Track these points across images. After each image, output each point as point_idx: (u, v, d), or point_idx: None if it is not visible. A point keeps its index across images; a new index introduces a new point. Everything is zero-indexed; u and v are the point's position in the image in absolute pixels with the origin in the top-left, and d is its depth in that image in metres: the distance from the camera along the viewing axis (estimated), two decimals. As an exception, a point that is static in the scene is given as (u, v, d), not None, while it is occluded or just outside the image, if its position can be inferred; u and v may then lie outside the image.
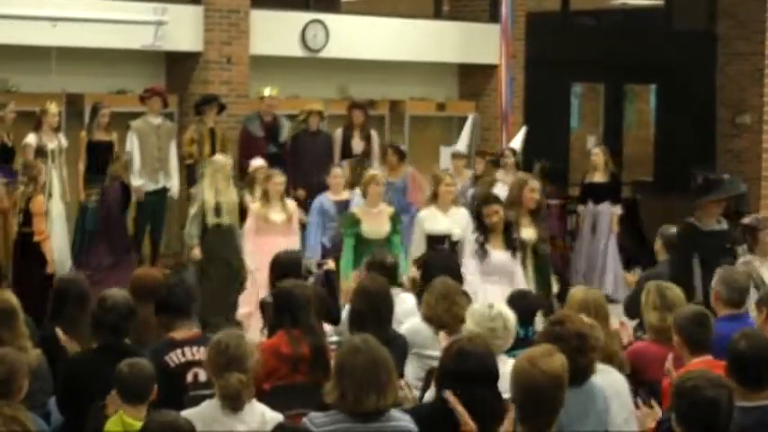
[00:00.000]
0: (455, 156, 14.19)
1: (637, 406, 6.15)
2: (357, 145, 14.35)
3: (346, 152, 14.32)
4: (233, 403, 5.60)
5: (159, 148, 13.41)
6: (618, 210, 14.78)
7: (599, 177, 14.62)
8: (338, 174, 12.48)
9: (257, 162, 12.71)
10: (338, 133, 14.48)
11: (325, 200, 12.23)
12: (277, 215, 11.60)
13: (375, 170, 12.29)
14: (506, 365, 5.97)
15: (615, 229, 14.70)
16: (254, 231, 11.53)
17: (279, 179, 11.71)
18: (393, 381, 5.39)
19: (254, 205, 11.78)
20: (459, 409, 5.33)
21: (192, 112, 14.06)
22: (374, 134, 14.69)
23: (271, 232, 11.46)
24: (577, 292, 7.26)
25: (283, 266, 8.32)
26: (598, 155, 14.81)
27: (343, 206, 12.04)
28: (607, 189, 14.62)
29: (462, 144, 14.66)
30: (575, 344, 5.68)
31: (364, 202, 11.23)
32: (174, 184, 13.58)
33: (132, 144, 13.31)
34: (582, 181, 14.91)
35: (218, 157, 12.38)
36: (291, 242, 11.28)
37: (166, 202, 13.67)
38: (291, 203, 11.94)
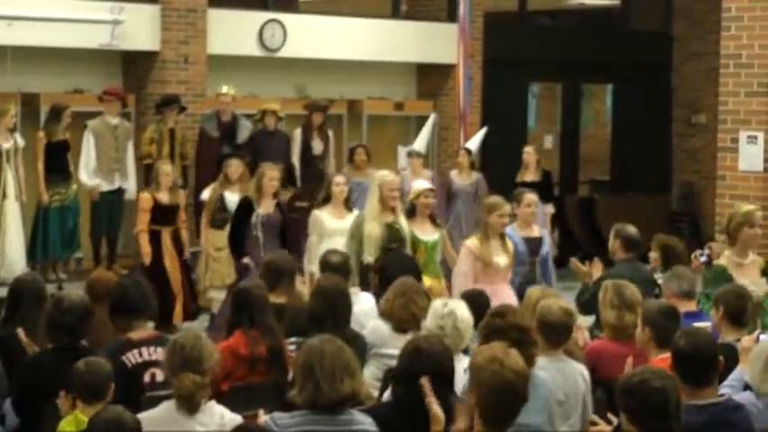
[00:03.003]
0: (412, 155, 14.11)
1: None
2: (317, 146, 14.32)
3: (306, 153, 14.30)
4: (187, 404, 5.57)
5: (116, 148, 13.32)
6: (550, 208, 14.71)
7: (530, 176, 14.59)
8: (532, 201, 9.93)
9: (422, 185, 10.40)
10: (297, 133, 14.42)
11: (514, 236, 9.67)
12: (501, 257, 9.31)
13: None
14: (460, 363, 6.00)
15: (548, 229, 14.61)
16: (471, 277, 9.12)
17: (506, 209, 9.43)
18: (360, 371, 5.39)
19: (470, 243, 9.40)
20: (432, 400, 5.33)
21: (149, 111, 14.01)
22: (330, 134, 14.69)
23: (492, 279, 9.20)
24: (534, 291, 7.30)
25: (279, 269, 8.26)
26: (530, 154, 14.77)
27: (536, 244, 9.80)
28: (538, 188, 14.58)
29: (421, 143, 14.59)
30: (515, 336, 5.74)
31: (732, 250, 8.39)
32: (130, 185, 13.51)
33: (89, 144, 13.20)
34: (514, 180, 14.84)
35: (386, 174, 10.23)
36: (511, 291, 9.24)
37: (123, 202, 13.59)
38: (510, 242, 9.50)
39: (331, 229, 10.53)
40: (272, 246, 10.85)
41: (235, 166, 12.21)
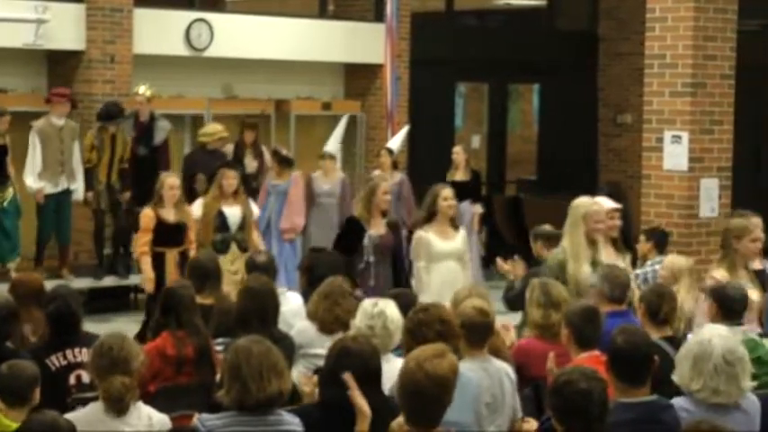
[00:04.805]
0: (324, 156, 13.51)
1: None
2: (250, 164, 14.03)
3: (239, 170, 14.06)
4: (116, 406, 5.54)
5: (62, 150, 13.02)
6: (478, 208, 14.78)
7: (460, 176, 14.65)
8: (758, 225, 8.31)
9: (607, 204, 8.85)
10: (229, 150, 14.07)
11: None
12: (751, 292, 7.58)
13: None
14: (390, 364, 6.01)
15: (476, 228, 14.67)
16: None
17: (759, 233, 8.05)
18: (288, 371, 5.39)
19: (716, 274, 7.93)
20: (356, 393, 5.33)
21: (73, 111, 13.89)
22: (265, 150, 14.33)
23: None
24: (463, 290, 7.32)
25: (205, 269, 8.19)
26: (459, 153, 14.85)
27: (762, 278, 8.30)
28: (468, 187, 14.64)
29: (333, 144, 14.20)
30: (438, 328, 5.80)
31: None
32: (78, 186, 13.13)
33: (34, 146, 12.90)
34: (445, 180, 14.84)
35: (589, 202, 8.58)
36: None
37: (71, 203, 13.30)
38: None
39: (439, 251, 9.45)
40: (383, 272, 9.70)
41: (231, 178, 11.04)
